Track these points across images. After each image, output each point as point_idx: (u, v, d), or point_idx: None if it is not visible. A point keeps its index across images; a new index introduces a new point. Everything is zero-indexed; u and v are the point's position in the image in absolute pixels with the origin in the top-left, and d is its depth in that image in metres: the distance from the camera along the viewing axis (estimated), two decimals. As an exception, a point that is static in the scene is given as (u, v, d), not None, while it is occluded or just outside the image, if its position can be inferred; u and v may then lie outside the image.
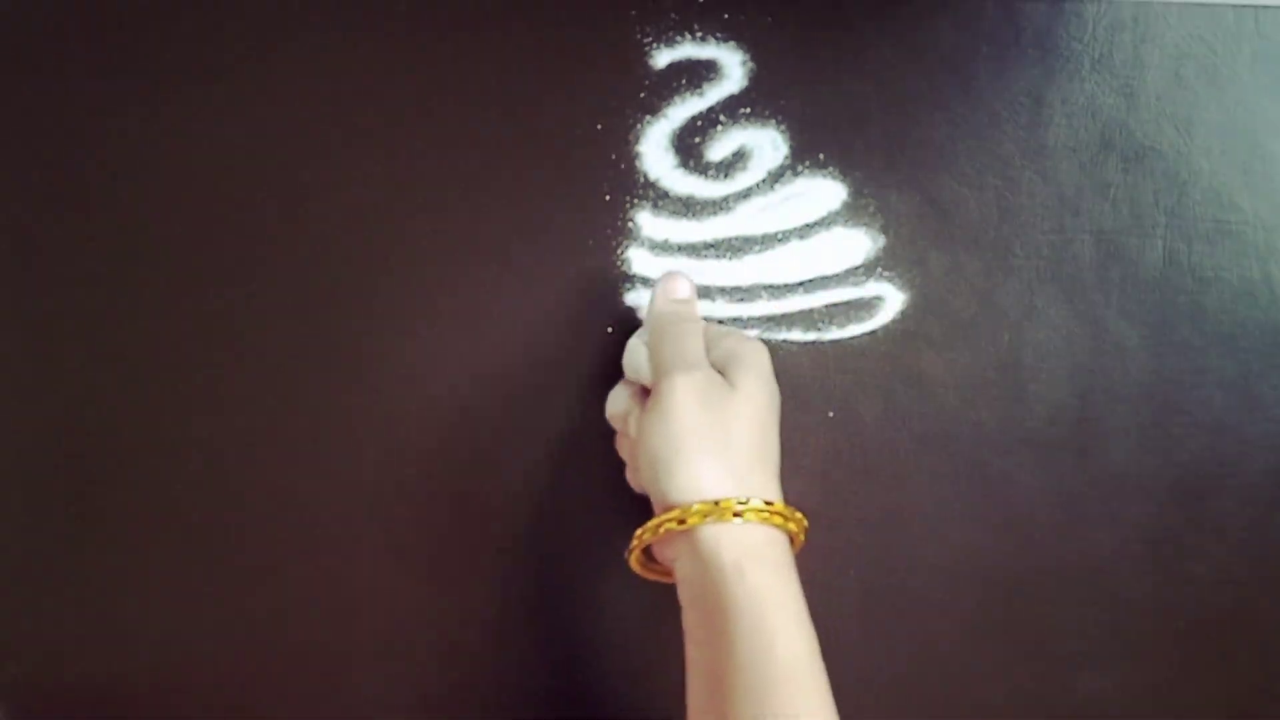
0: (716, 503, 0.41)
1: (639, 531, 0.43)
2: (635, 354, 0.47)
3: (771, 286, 0.51)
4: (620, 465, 0.50)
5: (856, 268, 0.51)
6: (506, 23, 0.49)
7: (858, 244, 0.51)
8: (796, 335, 0.51)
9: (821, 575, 0.52)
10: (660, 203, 0.50)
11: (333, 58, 0.50)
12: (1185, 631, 0.52)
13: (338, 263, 0.51)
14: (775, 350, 0.51)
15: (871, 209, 0.50)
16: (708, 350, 0.45)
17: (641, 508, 0.51)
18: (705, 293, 0.51)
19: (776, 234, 0.50)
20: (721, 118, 0.50)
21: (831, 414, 0.51)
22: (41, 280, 0.52)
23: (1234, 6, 0.48)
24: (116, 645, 0.54)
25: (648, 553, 0.45)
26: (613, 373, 0.51)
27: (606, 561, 0.52)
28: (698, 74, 0.49)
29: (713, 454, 0.42)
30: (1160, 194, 0.50)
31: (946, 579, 0.52)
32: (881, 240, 0.50)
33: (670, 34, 0.49)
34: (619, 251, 0.50)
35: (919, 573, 0.52)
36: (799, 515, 0.43)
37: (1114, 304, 0.50)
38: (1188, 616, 0.52)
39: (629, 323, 0.51)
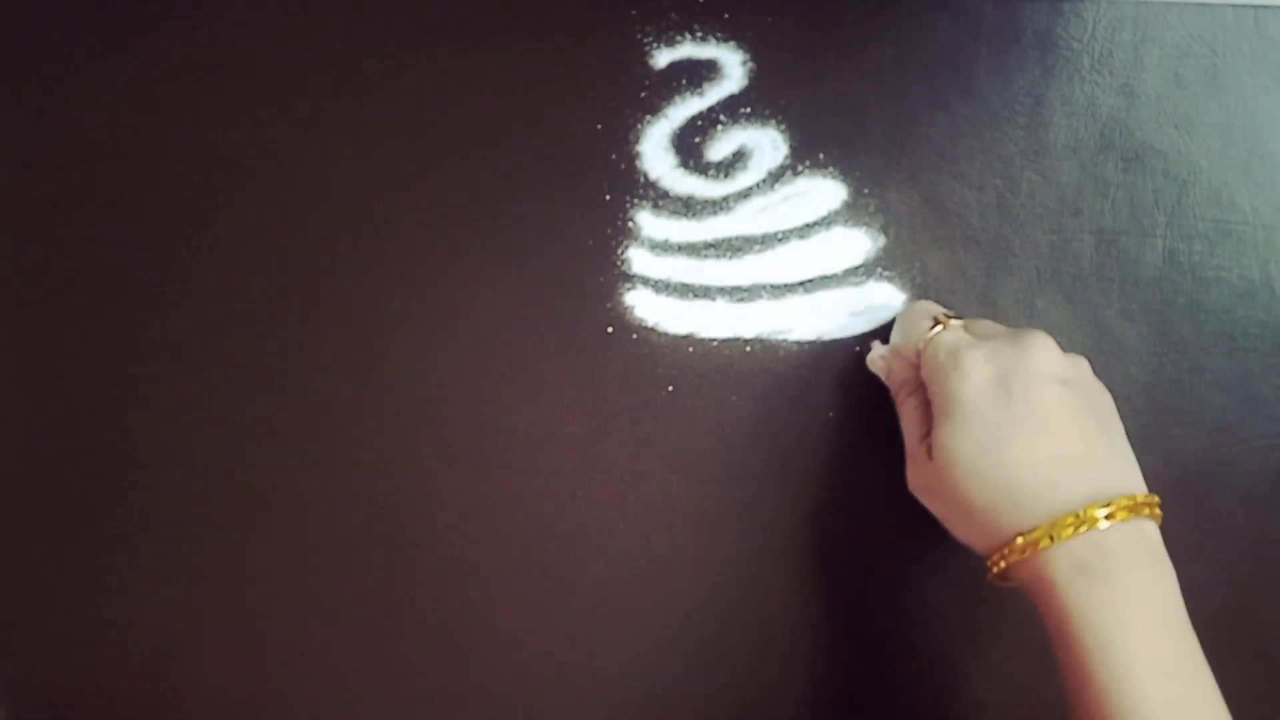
0: (1018, 541, 0.40)
1: (1004, 551, 0.41)
2: (901, 329, 0.47)
3: (771, 286, 0.51)
4: (617, 466, 0.50)
5: (856, 268, 0.51)
6: (506, 23, 0.49)
7: (858, 244, 0.51)
8: (796, 335, 0.51)
9: (821, 575, 0.52)
10: (660, 203, 0.50)
11: (332, 57, 0.50)
12: (1185, 631, 0.52)
13: (337, 262, 0.51)
14: (776, 350, 0.51)
15: (871, 209, 0.50)
16: (927, 391, 0.44)
17: (641, 506, 0.52)
18: (705, 293, 0.51)
19: (776, 234, 0.51)
20: (721, 118, 0.50)
21: (831, 414, 0.51)
22: (41, 280, 0.52)
23: (1234, 6, 0.48)
24: (116, 645, 0.54)
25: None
26: (613, 372, 0.51)
27: (608, 561, 0.52)
28: (698, 74, 0.49)
29: (958, 527, 0.42)
30: (1160, 194, 0.50)
31: (946, 579, 0.52)
32: (881, 240, 0.50)
33: (670, 34, 0.49)
34: (619, 251, 0.50)
35: (919, 572, 0.52)
36: (1145, 497, 0.40)
37: (1114, 304, 0.50)
38: (1188, 616, 0.52)
39: (629, 323, 0.51)
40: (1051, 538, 0.39)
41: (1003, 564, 0.41)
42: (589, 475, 0.52)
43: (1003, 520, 0.40)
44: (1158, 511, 0.41)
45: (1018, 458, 0.40)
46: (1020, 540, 0.40)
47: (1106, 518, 0.39)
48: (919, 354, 0.45)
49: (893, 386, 0.47)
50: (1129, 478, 0.42)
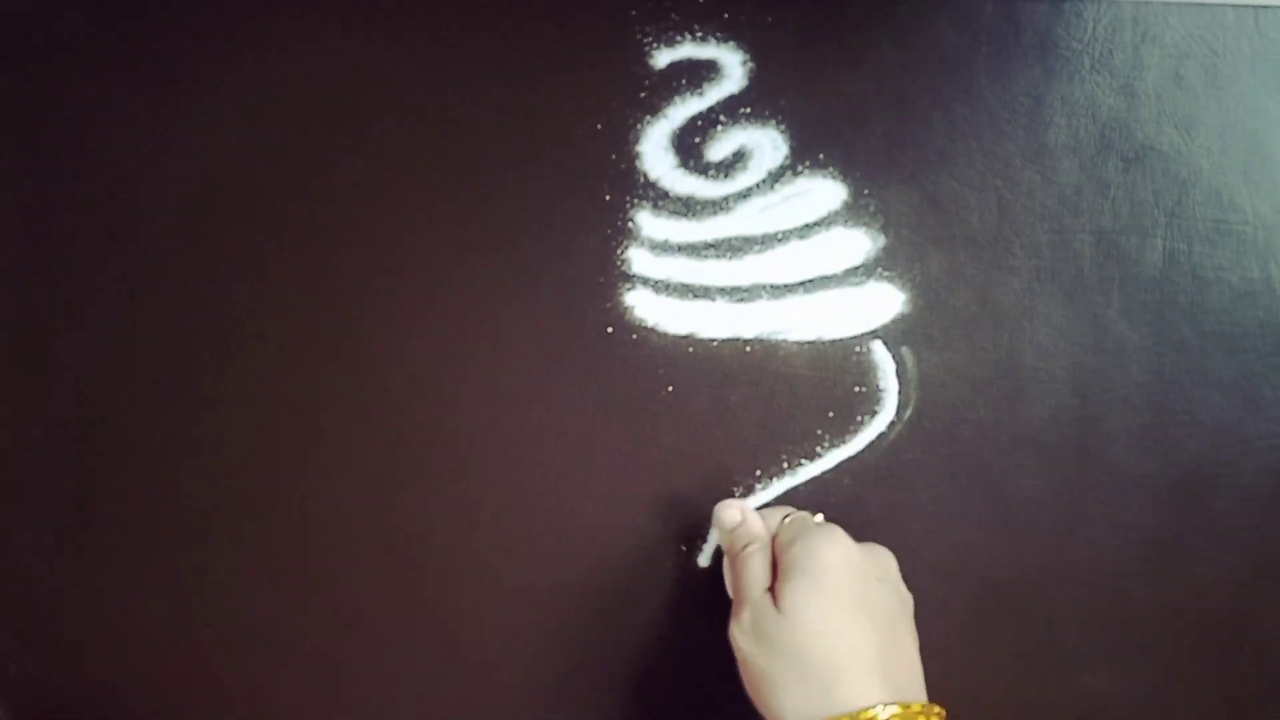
0: None
1: None
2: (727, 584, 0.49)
3: (771, 286, 0.51)
4: (617, 466, 0.50)
5: (856, 268, 0.51)
6: (507, 23, 0.49)
7: (858, 244, 0.51)
8: (796, 335, 0.51)
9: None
10: (660, 203, 0.50)
11: (332, 58, 0.50)
12: (1185, 631, 0.52)
13: (337, 262, 0.51)
14: (776, 350, 0.51)
15: (871, 209, 0.50)
16: (778, 561, 0.45)
17: (641, 505, 0.52)
18: (705, 293, 0.51)
19: (776, 234, 0.50)
20: (721, 118, 0.50)
21: (831, 414, 0.51)
22: (41, 281, 0.52)
23: (1234, 6, 0.48)
24: (116, 645, 0.54)
25: None
26: (613, 372, 0.51)
27: (607, 560, 0.52)
28: (698, 74, 0.49)
29: (786, 685, 0.42)
30: (1160, 194, 0.50)
31: (946, 578, 0.52)
32: (881, 240, 0.50)
33: (670, 34, 0.49)
34: (619, 251, 0.50)
35: (919, 572, 0.52)
36: (920, 707, 0.41)
37: (1114, 304, 0.50)
38: (1188, 616, 0.52)
39: (629, 323, 0.51)
40: None
41: None
42: (589, 474, 0.52)
43: (831, 692, 0.41)
44: None
45: (855, 634, 0.43)
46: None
47: (914, 715, 0.41)
48: (781, 520, 0.48)
49: (739, 540, 0.47)
50: (918, 686, 0.44)
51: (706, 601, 0.53)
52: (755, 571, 0.45)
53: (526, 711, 0.54)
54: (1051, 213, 0.50)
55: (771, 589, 0.45)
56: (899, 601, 0.46)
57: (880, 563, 0.47)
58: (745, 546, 0.46)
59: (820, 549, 0.44)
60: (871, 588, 0.45)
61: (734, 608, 0.45)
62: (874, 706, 0.41)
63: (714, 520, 0.49)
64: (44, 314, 0.52)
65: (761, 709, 0.43)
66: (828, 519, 0.52)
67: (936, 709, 0.42)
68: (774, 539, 0.47)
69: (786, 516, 0.48)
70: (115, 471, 0.53)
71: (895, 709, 0.41)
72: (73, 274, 0.52)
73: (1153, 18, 0.48)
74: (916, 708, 0.41)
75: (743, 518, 0.48)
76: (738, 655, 0.44)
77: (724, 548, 0.49)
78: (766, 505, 0.51)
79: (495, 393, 0.51)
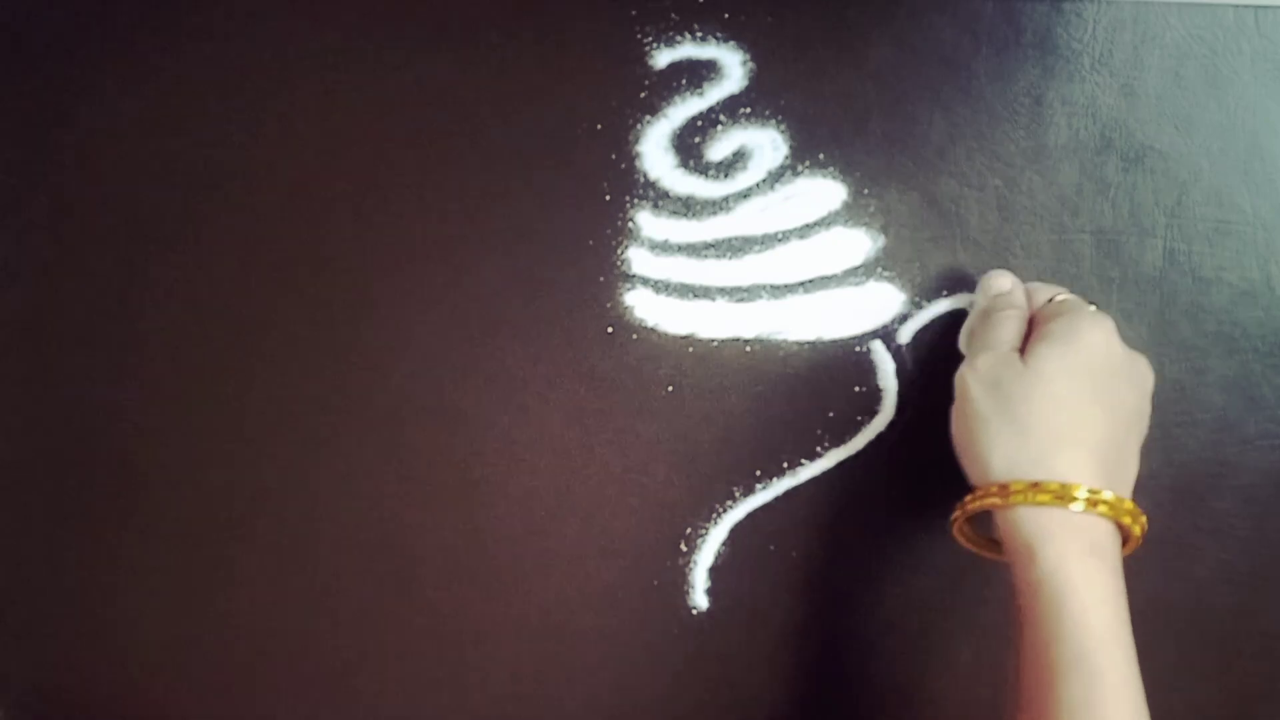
0: (1005, 486, 0.41)
1: (952, 516, 0.44)
2: (962, 339, 0.49)
3: (771, 286, 0.51)
4: (617, 466, 0.50)
5: (856, 268, 0.51)
6: (507, 23, 0.49)
7: (858, 244, 0.51)
8: (796, 335, 0.51)
9: (821, 574, 0.52)
10: (660, 203, 0.50)
11: (332, 58, 0.50)
12: (1185, 631, 0.52)
13: (337, 262, 0.51)
14: (776, 350, 0.51)
15: (871, 209, 0.50)
16: (1034, 328, 0.45)
17: (641, 505, 0.52)
18: (705, 293, 0.51)
19: (776, 234, 0.50)
20: (721, 118, 0.50)
21: (831, 414, 0.51)
22: (41, 281, 0.52)
23: (1234, 6, 0.48)
24: (116, 646, 0.54)
25: (974, 524, 0.45)
26: (613, 372, 0.51)
27: (607, 560, 0.52)
28: (698, 74, 0.49)
29: (1002, 437, 0.42)
30: (1160, 194, 0.50)
31: (947, 578, 0.52)
32: (881, 240, 0.50)
33: (670, 34, 0.49)
34: (619, 251, 0.50)
35: (919, 572, 0.52)
36: (1116, 499, 0.41)
37: (1114, 304, 0.50)
38: (1188, 616, 0.52)
39: (629, 323, 0.51)
40: (1058, 497, 0.40)
41: (990, 502, 0.42)
42: (589, 474, 0.52)
43: (1047, 456, 0.41)
44: (1138, 532, 0.42)
45: (1090, 414, 0.42)
46: (1009, 486, 0.41)
47: (1124, 511, 0.41)
48: (1048, 299, 0.47)
49: (1001, 304, 0.47)
50: (1128, 489, 0.43)
51: (708, 600, 0.53)
52: (1009, 329, 0.45)
53: (527, 711, 0.54)
54: (1051, 213, 0.50)
55: (1020, 351, 0.44)
56: (1138, 412, 0.45)
57: (1139, 371, 0.45)
58: (1005, 310, 0.46)
59: (1085, 327, 0.43)
60: (1121, 384, 0.44)
61: (971, 353, 0.45)
62: (1082, 486, 0.40)
63: (981, 285, 0.48)
64: (44, 314, 0.52)
65: (967, 456, 0.43)
66: (827, 519, 0.52)
67: (1143, 516, 0.42)
68: (1034, 314, 0.46)
69: (1058, 295, 0.47)
70: (115, 471, 0.53)
71: (1108, 494, 0.41)
72: (73, 274, 0.52)
73: (1153, 18, 0.48)
74: (1128, 504, 0.41)
75: (1012, 286, 0.48)
76: (962, 396, 0.44)
77: (980, 310, 0.48)
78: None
79: (495, 392, 0.51)
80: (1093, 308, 0.46)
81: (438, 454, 0.52)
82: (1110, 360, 0.44)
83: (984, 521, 0.45)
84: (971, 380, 0.44)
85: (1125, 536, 0.42)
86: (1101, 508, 0.41)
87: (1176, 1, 0.48)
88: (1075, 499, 0.40)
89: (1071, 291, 0.50)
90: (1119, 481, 0.42)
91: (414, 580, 0.53)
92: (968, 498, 0.43)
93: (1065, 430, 0.42)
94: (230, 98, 0.50)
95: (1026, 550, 0.40)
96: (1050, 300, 0.47)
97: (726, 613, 0.53)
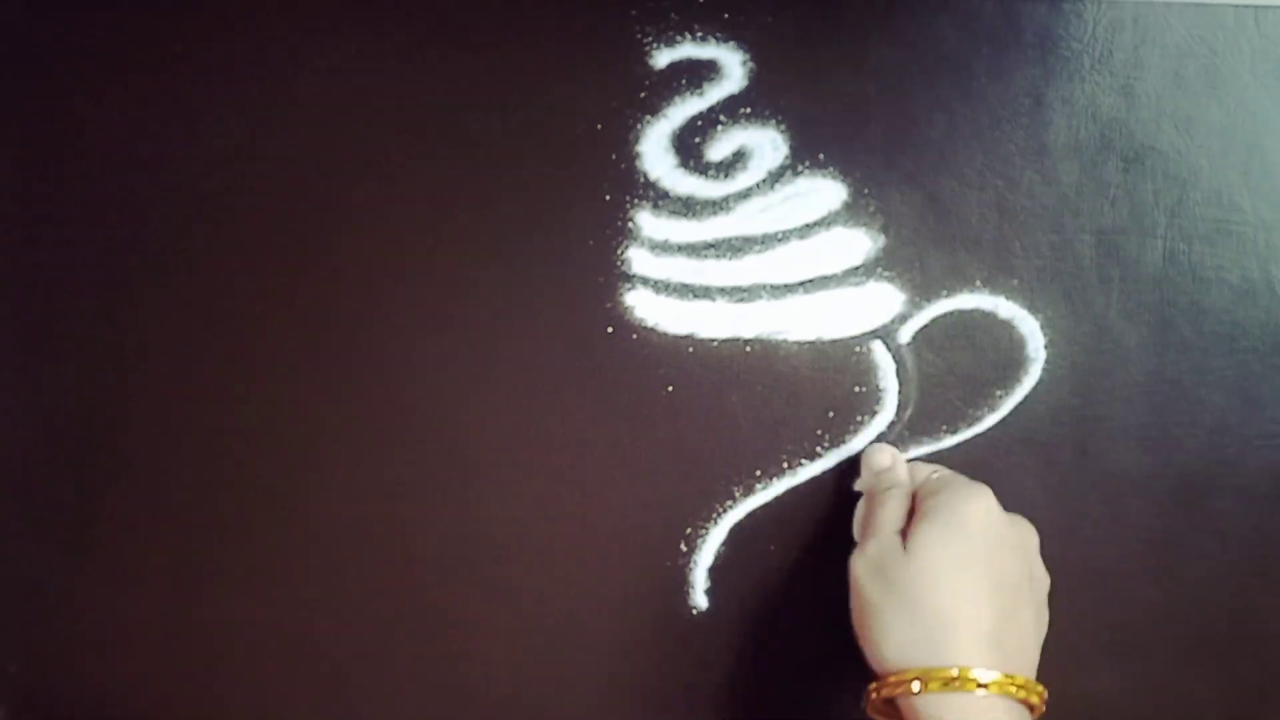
0: (898, 674, 0.41)
1: (864, 701, 0.44)
2: (855, 525, 0.49)
3: (771, 286, 0.51)
4: (616, 466, 0.50)
5: (856, 268, 0.51)
6: (506, 23, 0.49)
7: (858, 244, 0.51)
8: (796, 335, 0.51)
9: (821, 574, 0.52)
10: (660, 203, 0.50)
11: (332, 58, 0.50)
12: (1185, 631, 0.52)
13: (337, 263, 0.51)
14: (776, 350, 0.51)
15: (871, 209, 0.50)
16: (916, 508, 0.45)
17: (640, 505, 0.52)
18: (705, 293, 0.51)
19: (776, 234, 0.50)
20: (721, 118, 0.50)
21: (831, 414, 0.51)
22: (41, 281, 0.52)
23: (1234, 6, 0.48)
24: (116, 645, 0.54)
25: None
26: (613, 372, 0.51)
27: (607, 560, 0.52)
28: (698, 74, 0.49)
29: (894, 624, 0.42)
30: (1160, 194, 0.50)
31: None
32: (881, 240, 0.50)
33: (670, 34, 0.49)
34: (619, 251, 0.50)
35: (919, 573, 0.52)
36: (1018, 682, 0.41)
37: (1114, 304, 0.50)
38: (1188, 616, 0.52)
39: (629, 323, 0.51)
40: (952, 683, 0.40)
41: (889, 691, 0.41)
42: (588, 475, 0.52)
43: (939, 642, 0.41)
44: (1037, 702, 0.42)
45: (977, 593, 0.42)
46: (904, 675, 0.41)
47: (1018, 686, 0.41)
48: (929, 475, 0.48)
49: (883, 482, 0.48)
50: (1029, 665, 0.43)
51: (708, 600, 0.53)
52: (892, 511, 0.45)
53: (526, 711, 0.54)
54: (1051, 213, 0.50)
55: (903, 532, 0.44)
56: (1029, 577, 0.45)
57: (1020, 533, 0.45)
58: (888, 489, 0.47)
59: (962, 503, 0.44)
60: (1005, 554, 0.44)
61: (860, 542, 0.45)
62: (975, 668, 0.40)
63: (863, 461, 0.49)
64: (44, 314, 0.52)
65: (864, 644, 0.43)
66: (827, 519, 0.52)
67: (1039, 687, 0.42)
68: (916, 491, 0.46)
69: (935, 473, 0.48)
70: (115, 471, 0.53)
71: (996, 675, 0.40)
72: (73, 274, 0.52)
73: (1153, 18, 0.48)
74: (1020, 680, 0.41)
75: (893, 463, 0.48)
76: (853, 585, 0.44)
77: (864, 489, 0.49)
78: (914, 460, 0.51)
79: (495, 393, 0.51)
80: (966, 480, 0.47)
81: (437, 454, 0.52)
82: (989, 531, 0.44)
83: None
84: (860, 569, 0.44)
85: (1029, 708, 0.42)
86: (993, 688, 0.40)
87: (1176, 1, 0.48)
88: (971, 683, 0.40)
89: (1071, 291, 0.50)
90: (1015, 653, 0.42)
91: (413, 580, 0.53)
92: (870, 688, 0.43)
93: (954, 612, 0.42)
94: (230, 101, 0.50)
95: None
96: (931, 475, 0.48)
97: (726, 613, 0.53)
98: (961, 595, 0.42)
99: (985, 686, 0.40)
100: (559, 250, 0.50)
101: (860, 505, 0.49)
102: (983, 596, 0.42)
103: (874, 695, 0.42)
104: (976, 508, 0.44)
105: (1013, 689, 0.41)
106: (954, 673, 0.40)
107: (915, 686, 0.40)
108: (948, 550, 0.43)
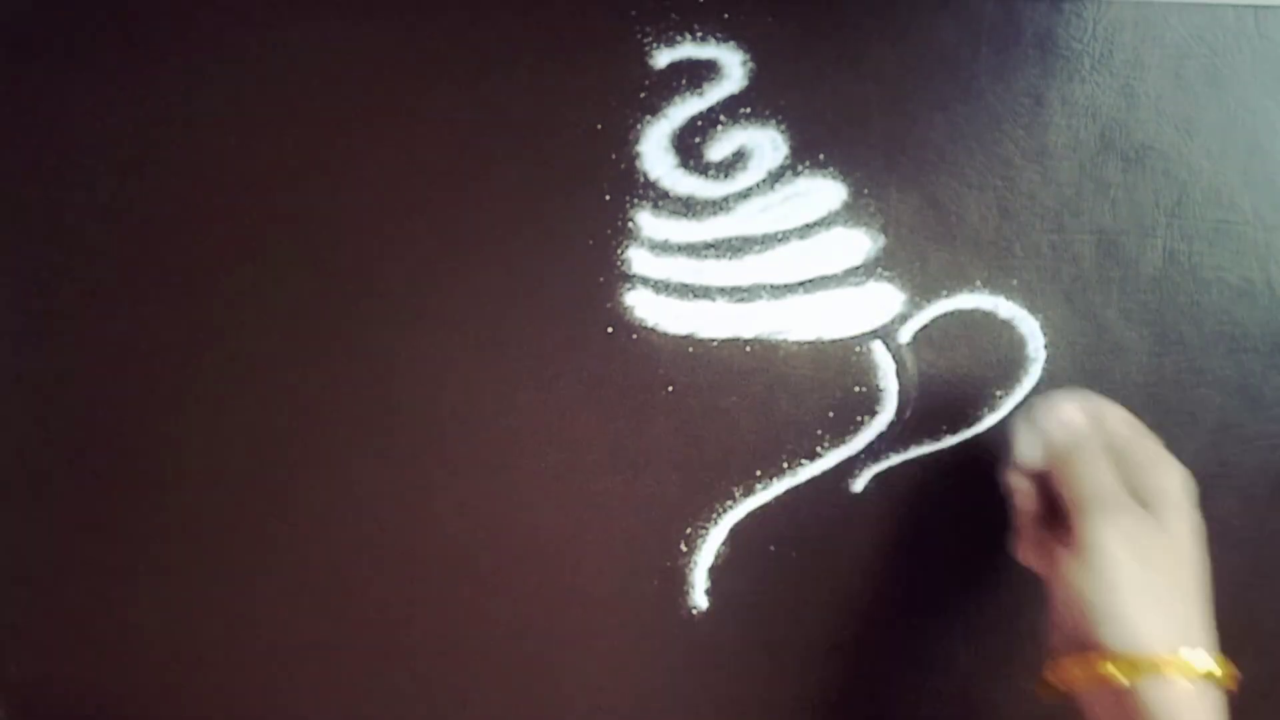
0: (1160, 660, 0.40)
1: (1067, 663, 0.42)
2: (1026, 442, 0.47)
3: (772, 286, 0.51)
4: (616, 466, 0.50)
5: (856, 268, 0.51)
6: (506, 23, 0.49)
7: (858, 244, 0.51)
8: (796, 335, 0.51)
9: (820, 574, 0.52)
10: (660, 203, 0.50)
11: (333, 58, 0.50)
12: (1185, 631, 0.52)
13: (337, 262, 0.51)
14: (776, 350, 0.51)
15: (871, 209, 0.50)
16: (1129, 477, 0.44)
17: (640, 505, 0.52)
18: (705, 293, 0.51)
19: (776, 234, 0.50)
20: (721, 118, 0.50)
21: (831, 414, 0.51)
22: (47, 281, 0.52)
23: (1234, 6, 0.48)
24: (116, 645, 0.54)
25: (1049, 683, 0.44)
26: (613, 372, 0.51)
27: (607, 559, 0.52)
28: (698, 74, 0.49)
29: (1156, 603, 0.41)
30: (1160, 194, 0.50)
31: (947, 579, 0.52)
32: (881, 240, 0.50)
33: (670, 34, 0.49)
34: (619, 251, 0.50)
35: (919, 572, 0.52)
36: (1231, 669, 0.41)
37: (1114, 304, 0.50)
38: (1188, 616, 0.52)
39: (629, 323, 0.51)
40: (1183, 671, 0.40)
41: (1105, 670, 0.41)
42: (588, 474, 0.52)
43: (1189, 627, 0.42)
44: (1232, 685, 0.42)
45: (1204, 582, 0.43)
46: (1162, 658, 0.40)
47: (1211, 675, 0.41)
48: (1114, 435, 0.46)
49: (1089, 440, 0.46)
50: (1212, 642, 0.43)
51: (708, 601, 0.53)
52: (1112, 478, 0.44)
53: (526, 711, 0.54)
54: (1051, 213, 0.50)
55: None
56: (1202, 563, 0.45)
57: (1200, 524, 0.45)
58: (1094, 450, 0.45)
59: (1180, 482, 0.44)
60: (1200, 544, 0.44)
61: (1092, 508, 0.43)
62: (1227, 665, 0.41)
63: (1047, 418, 0.46)
64: (44, 314, 0.52)
65: (1100, 616, 0.41)
66: (827, 519, 0.52)
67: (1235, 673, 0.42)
68: (1121, 457, 0.45)
69: (1127, 438, 0.46)
70: (115, 471, 0.53)
71: (1231, 668, 0.41)
72: (73, 274, 0.52)
73: (1153, 18, 0.48)
74: (1233, 671, 0.42)
75: (1085, 419, 0.46)
76: (1104, 557, 0.42)
77: (1058, 448, 0.46)
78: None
79: (495, 393, 0.51)
80: (1166, 455, 0.46)
81: (437, 454, 0.52)
82: (1195, 516, 0.44)
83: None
84: (1118, 543, 0.42)
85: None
86: (1228, 680, 0.41)
87: (1176, 1, 0.48)
88: (1222, 672, 0.41)
89: (1071, 291, 0.50)
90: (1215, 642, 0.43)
91: (412, 579, 0.53)
92: (1105, 661, 0.41)
93: (1200, 599, 0.42)
94: (228, 98, 0.50)
95: None
96: (1123, 441, 0.46)
97: (726, 613, 0.53)
98: (1203, 583, 0.43)
99: (1227, 678, 0.41)
100: (559, 250, 0.50)
101: (1043, 453, 0.46)
102: (1206, 589, 0.43)
103: (1105, 669, 0.41)
104: (1191, 486, 0.44)
105: (1231, 681, 0.41)
106: (1208, 664, 0.40)
107: (1178, 669, 0.40)
108: (1192, 535, 0.43)
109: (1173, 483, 0.44)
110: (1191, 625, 0.42)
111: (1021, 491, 0.47)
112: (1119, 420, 0.47)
